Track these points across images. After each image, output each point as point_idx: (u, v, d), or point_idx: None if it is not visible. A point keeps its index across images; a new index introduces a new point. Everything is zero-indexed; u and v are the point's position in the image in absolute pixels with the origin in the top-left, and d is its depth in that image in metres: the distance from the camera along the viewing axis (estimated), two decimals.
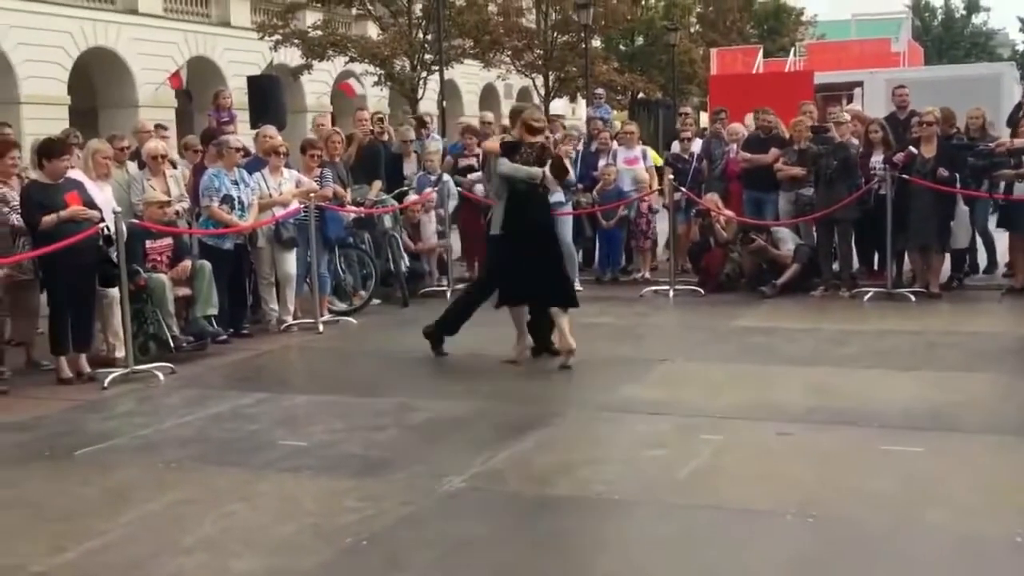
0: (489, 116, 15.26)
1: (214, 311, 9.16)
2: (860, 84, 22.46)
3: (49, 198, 7.94)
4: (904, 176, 10.47)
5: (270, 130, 10.88)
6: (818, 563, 4.30)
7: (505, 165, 7.98)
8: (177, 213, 9.38)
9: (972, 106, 11.89)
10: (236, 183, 9.62)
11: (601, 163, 12.74)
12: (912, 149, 10.67)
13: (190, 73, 29.47)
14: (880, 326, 9.30)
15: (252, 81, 14.78)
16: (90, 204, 8.13)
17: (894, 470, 5.32)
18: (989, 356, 8.06)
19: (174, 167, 10.03)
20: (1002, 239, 11.41)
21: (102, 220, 8.10)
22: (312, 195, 10.06)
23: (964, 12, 72.61)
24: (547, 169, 7.98)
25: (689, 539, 4.61)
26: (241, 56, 30.84)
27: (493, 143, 8.43)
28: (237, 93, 15.67)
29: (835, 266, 11.26)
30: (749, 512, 4.82)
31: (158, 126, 11.81)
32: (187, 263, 9.06)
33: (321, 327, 9.98)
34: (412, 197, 12.08)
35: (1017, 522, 4.53)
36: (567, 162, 8.60)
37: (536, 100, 34.97)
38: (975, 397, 6.86)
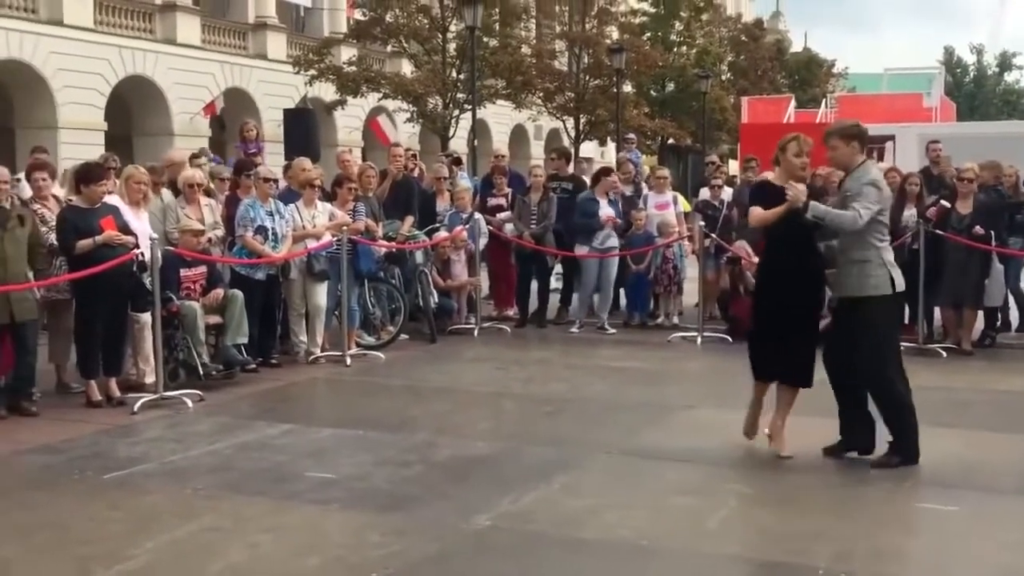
0: (503, 150, 15.32)
1: (244, 340, 9.20)
2: (892, 138, 22.40)
3: (85, 222, 8.02)
4: (938, 231, 10.42)
5: (305, 162, 10.97)
6: None
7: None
8: (210, 241, 9.45)
9: (1004, 164, 11.86)
10: (271, 214, 9.69)
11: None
12: (945, 203, 10.64)
13: (224, 103, 29.81)
14: (912, 381, 9.17)
15: (289, 114, 14.94)
16: (125, 230, 8.19)
17: (928, 528, 5.27)
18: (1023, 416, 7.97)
19: (209, 195, 10.11)
20: None
21: (137, 246, 8.17)
22: (345, 228, 10.11)
23: (996, 70, 72.71)
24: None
25: None
26: (275, 89, 31.24)
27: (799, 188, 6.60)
28: (270, 125, 15.88)
29: None
30: (781, 565, 4.78)
31: (194, 155, 11.92)
32: (219, 291, 9.10)
33: (348, 360, 10.00)
34: (443, 234, 12.12)
35: None
36: None
37: (566, 142, 35.14)
38: (1010, 457, 6.77)
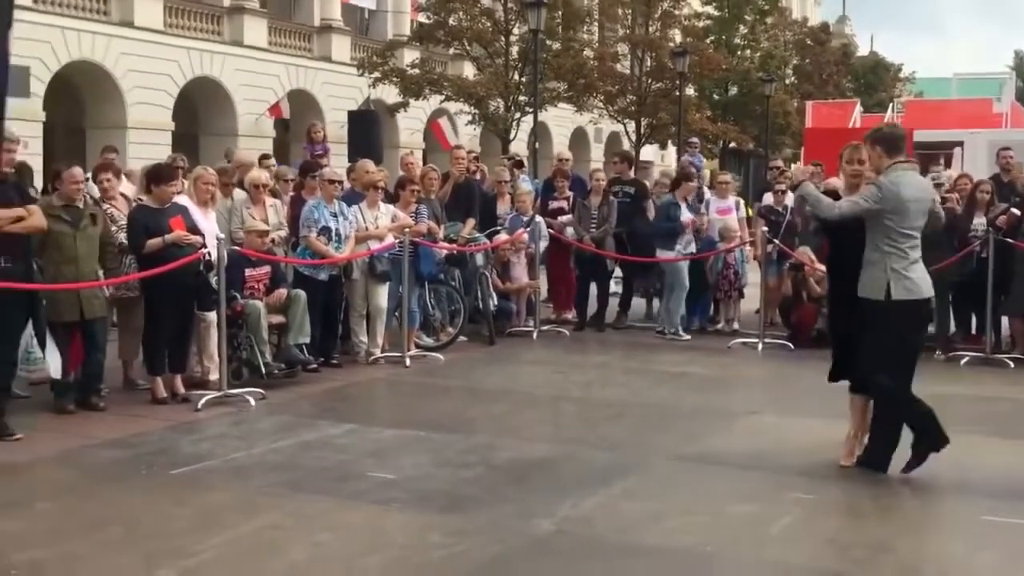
0: (567, 154, 15.29)
1: (306, 340, 9.28)
2: (960, 144, 22.01)
3: (155, 222, 8.15)
4: (1008, 240, 10.23)
5: (369, 164, 11.05)
6: None
7: None
8: (273, 241, 9.56)
9: None
10: (335, 215, 9.78)
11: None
12: (1015, 211, 10.44)
13: (289, 113, 30.17)
14: (978, 391, 9.06)
15: (353, 116, 15.08)
16: (193, 229, 8.32)
17: (998, 542, 5.16)
18: None
19: (275, 196, 10.24)
20: None
21: (204, 246, 8.29)
22: (407, 230, 10.18)
23: None
24: None
25: None
26: (339, 91, 31.54)
27: None
28: (333, 127, 16.04)
29: (930, 328, 11.01)
30: None
31: (263, 156, 12.06)
32: (283, 291, 9.20)
33: (408, 361, 10.05)
34: (504, 237, 12.15)
35: None
36: None
37: (626, 145, 35.03)
38: None
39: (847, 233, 6.48)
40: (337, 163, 13.77)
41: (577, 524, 5.40)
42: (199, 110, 30.41)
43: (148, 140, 25.92)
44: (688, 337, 11.83)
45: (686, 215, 11.97)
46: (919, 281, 6.31)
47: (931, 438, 6.30)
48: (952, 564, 4.87)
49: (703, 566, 4.88)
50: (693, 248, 12.10)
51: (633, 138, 35.60)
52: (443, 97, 30.25)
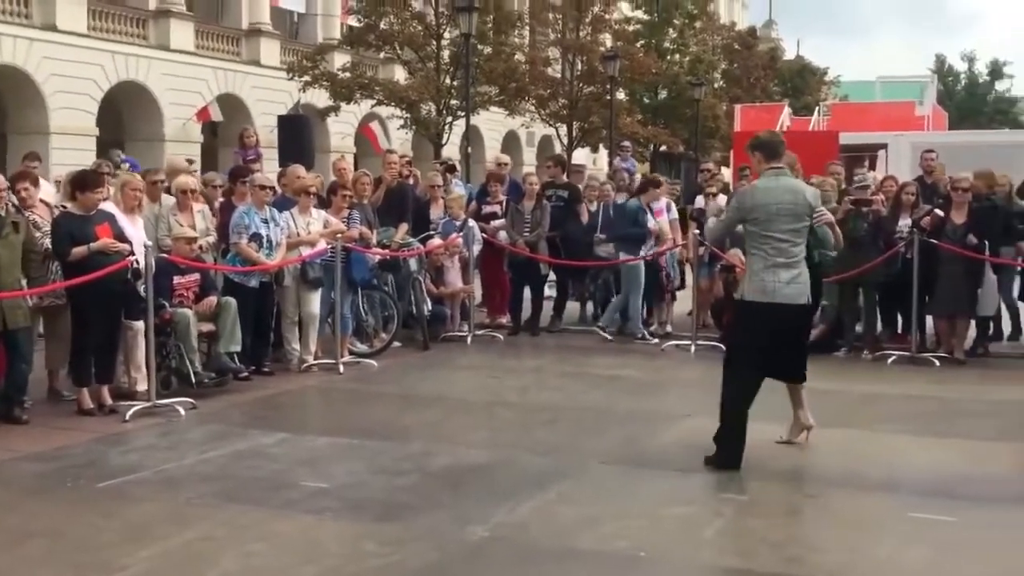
0: (505, 158, 15.36)
1: (237, 348, 9.16)
2: (884, 146, 22.46)
3: (80, 229, 7.98)
4: (932, 240, 10.45)
5: (299, 170, 10.96)
6: None
7: None
8: (202, 248, 9.41)
9: (997, 173, 11.87)
10: (266, 221, 9.66)
11: None
12: (939, 213, 10.66)
13: (221, 115, 29.78)
14: (906, 390, 9.23)
15: (283, 120, 14.92)
16: (120, 237, 8.16)
17: (926, 540, 5.25)
18: (1017, 426, 7.95)
19: (204, 202, 10.09)
20: None
21: (132, 253, 8.14)
22: (339, 236, 10.10)
23: (988, 78, 72.89)
24: None
25: None
26: (268, 95, 31.21)
27: None
28: (263, 131, 15.88)
29: (858, 328, 11.21)
30: None
31: (187, 161, 11.89)
32: (212, 299, 9.07)
33: (341, 368, 9.97)
34: (437, 241, 12.11)
35: None
36: None
37: (558, 149, 35.18)
38: (1006, 468, 6.79)
39: None
40: (268, 168, 13.62)
41: (513, 530, 5.39)
42: (124, 115, 29.88)
43: (72, 146, 25.41)
44: (656, 341, 11.85)
45: (651, 222, 12.05)
46: (776, 284, 6.39)
47: (724, 455, 6.46)
48: (882, 562, 4.94)
49: (638, 570, 4.89)
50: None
51: (565, 142, 35.76)
52: (374, 101, 30.08)
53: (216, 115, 29.39)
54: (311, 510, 5.71)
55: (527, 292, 12.74)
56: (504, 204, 12.93)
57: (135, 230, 8.57)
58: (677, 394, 9.23)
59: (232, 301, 9.12)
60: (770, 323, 6.48)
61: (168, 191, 9.70)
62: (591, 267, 12.83)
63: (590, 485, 6.34)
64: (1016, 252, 10.93)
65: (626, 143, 21.12)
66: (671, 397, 9.11)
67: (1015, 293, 11.34)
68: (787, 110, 31.59)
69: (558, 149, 35.14)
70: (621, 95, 35.86)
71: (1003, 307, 11.44)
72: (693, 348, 11.26)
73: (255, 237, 9.55)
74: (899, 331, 11.55)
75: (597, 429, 7.77)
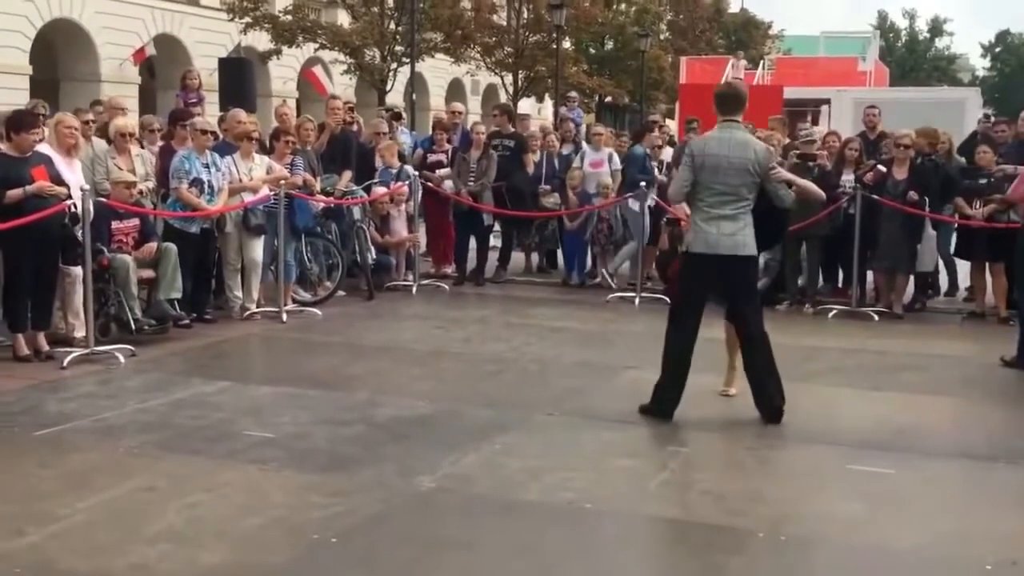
0: (460, 106, 15.21)
1: (178, 295, 9.04)
2: (827, 101, 22.66)
3: (15, 172, 7.76)
4: (874, 196, 10.55)
5: (240, 114, 10.74)
6: None
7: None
8: (141, 193, 9.22)
9: (936, 129, 12.01)
10: (207, 166, 9.48)
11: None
12: (881, 168, 10.76)
13: (155, 51, 29.10)
14: (845, 344, 9.36)
15: (223, 63, 14.59)
16: (57, 180, 7.96)
17: (864, 491, 5.34)
18: (953, 380, 8.13)
19: (141, 146, 9.88)
20: (964, 263, 11.56)
21: (69, 197, 7.94)
22: (282, 182, 9.94)
23: (928, 35, 73.66)
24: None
25: (659, 551, 4.60)
26: (208, 37, 30.54)
27: None
28: (203, 74, 15.54)
29: (800, 281, 11.33)
30: (722, 528, 4.81)
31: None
32: (152, 245, 8.92)
33: (285, 316, 9.88)
34: (382, 190, 11.98)
35: (987, 548, 4.56)
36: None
37: (504, 98, 34.96)
38: (941, 420, 6.92)
39: None
40: (210, 112, 13.34)
41: (458, 481, 5.39)
42: (59, 54, 29.08)
43: (4, 84, 24.70)
44: (614, 285, 12.03)
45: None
46: (719, 237, 6.45)
47: (660, 404, 6.59)
48: (823, 514, 5.02)
49: (583, 522, 4.91)
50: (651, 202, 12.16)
51: (510, 91, 35.53)
52: (317, 46, 29.60)
53: (150, 50, 28.68)
54: (255, 460, 5.65)
55: (472, 242, 12.68)
56: (450, 153, 12.83)
57: (72, 174, 8.35)
58: (622, 346, 9.26)
59: (172, 247, 8.97)
60: (715, 275, 6.54)
61: (104, 134, 9.47)
62: (537, 218, 12.81)
63: (535, 437, 6.35)
64: (954, 209, 11.08)
65: (572, 93, 21.05)
66: (616, 349, 9.14)
67: (951, 249, 11.52)
68: (743, 62, 31.63)
69: (503, 98, 34.92)
70: (567, 44, 35.66)
71: (941, 263, 11.63)
72: (637, 300, 11.31)
73: (196, 182, 9.38)
74: (840, 285, 11.71)
75: (542, 381, 7.78)
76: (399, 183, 11.98)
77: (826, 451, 6.07)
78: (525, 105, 37.64)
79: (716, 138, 6.54)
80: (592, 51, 41.01)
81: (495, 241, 13.37)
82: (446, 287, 12.18)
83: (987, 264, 10.70)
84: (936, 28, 73.38)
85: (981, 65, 78.48)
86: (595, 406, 7.01)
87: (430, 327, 9.95)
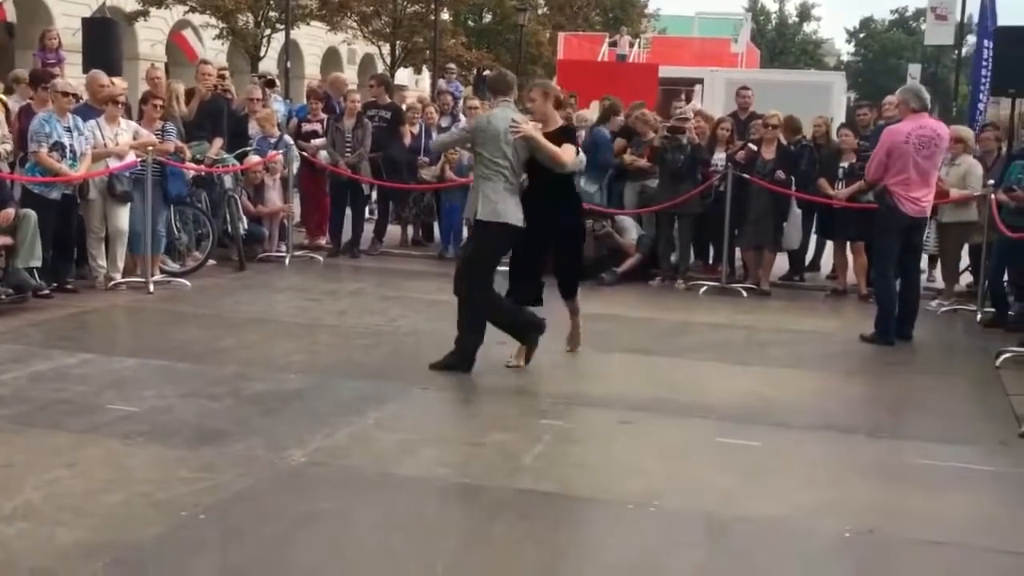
0: (343, 76, 14.97)
1: (37, 263, 8.69)
2: (700, 81, 23.05)
3: None
4: (744, 175, 10.79)
5: (102, 76, 10.35)
6: (659, 554, 4.37)
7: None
8: None
9: (803, 111, 12.34)
10: (69, 130, 9.11)
11: None
12: (752, 147, 11.00)
13: (15, 8, 27.77)
14: (714, 319, 9.57)
15: (87, 23, 14.00)
16: None
17: (733, 463, 5.46)
18: (816, 355, 8.40)
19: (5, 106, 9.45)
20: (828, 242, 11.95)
21: None
22: (151, 148, 9.62)
23: (797, 19, 75.66)
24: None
25: (533, 526, 4.61)
26: None
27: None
28: (65, 34, 14.93)
29: (672, 258, 11.53)
30: (593, 501, 4.86)
31: None
32: (10, 211, 8.54)
33: (152, 287, 9.59)
34: (254, 159, 11.72)
35: (847, 518, 4.71)
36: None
37: (381, 68, 34.54)
38: (804, 394, 7.13)
39: (539, 169, 7.21)
40: (71, 74, 12.80)
41: (330, 455, 5.31)
42: None
43: None
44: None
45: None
46: (505, 206, 7.00)
47: (527, 326, 7.33)
48: (694, 486, 5.11)
49: (458, 496, 4.91)
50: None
51: (388, 61, 35.12)
52: (187, 8, 28.69)
53: (10, 14, 27.40)
54: (118, 435, 5.47)
55: (348, 213, 12.52)
56: (324, 123, 12.62)
57: None
58: None
59: (31, 213, 8.62)
60: (504, 240, 7.13)
61: None
62: (413, 190, 12.71)
63: (410, 411, 6.31)
64: (817, 189, 11.39)
65: (451, 65, 20.93)
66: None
67: (813, 228, 11.86)
68: (627, 38, 31.94)
69: (380, 68, 34.50)
70: (446, 16, 35.40)
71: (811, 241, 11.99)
72: None
73: (57, 146, 9.00)
74: (711, 262, 11.97)
75: (417, 354, 7.71)
76: (274, 152, 11.73)
77: (697, 424, 6.19)
78: (403, 76, 37.32)
79: (496, 115, 7.11)
80: (471, 24, 40.79)
81: (371, 213, 13.23)
82: (320, 259, 12.01)
83: (848, 243, 11.06)
84: (804, 13, 75.38)
85: (846, 50, 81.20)
86: (470, 380, 7.00)
87: (303, 299, 9.79)
